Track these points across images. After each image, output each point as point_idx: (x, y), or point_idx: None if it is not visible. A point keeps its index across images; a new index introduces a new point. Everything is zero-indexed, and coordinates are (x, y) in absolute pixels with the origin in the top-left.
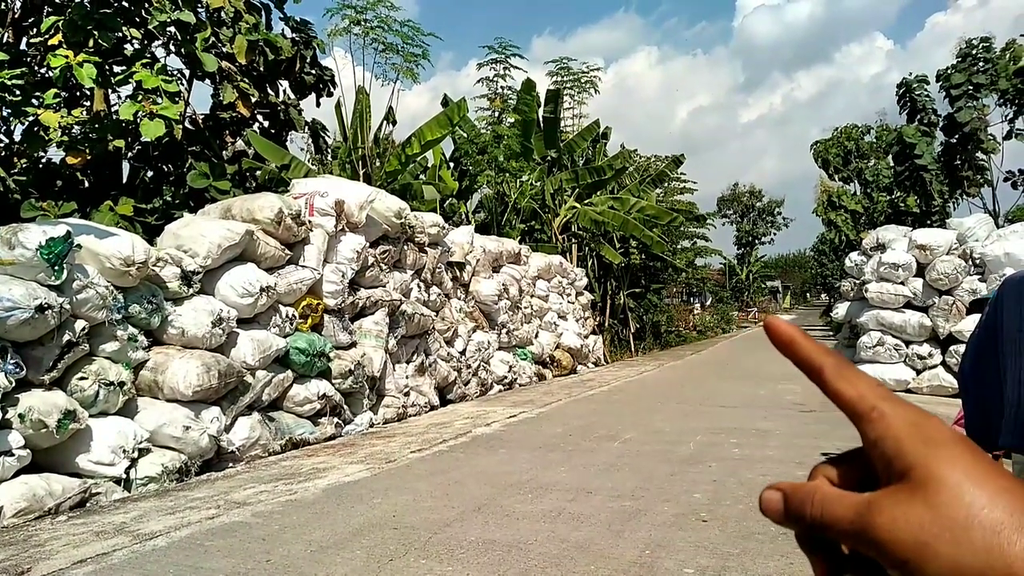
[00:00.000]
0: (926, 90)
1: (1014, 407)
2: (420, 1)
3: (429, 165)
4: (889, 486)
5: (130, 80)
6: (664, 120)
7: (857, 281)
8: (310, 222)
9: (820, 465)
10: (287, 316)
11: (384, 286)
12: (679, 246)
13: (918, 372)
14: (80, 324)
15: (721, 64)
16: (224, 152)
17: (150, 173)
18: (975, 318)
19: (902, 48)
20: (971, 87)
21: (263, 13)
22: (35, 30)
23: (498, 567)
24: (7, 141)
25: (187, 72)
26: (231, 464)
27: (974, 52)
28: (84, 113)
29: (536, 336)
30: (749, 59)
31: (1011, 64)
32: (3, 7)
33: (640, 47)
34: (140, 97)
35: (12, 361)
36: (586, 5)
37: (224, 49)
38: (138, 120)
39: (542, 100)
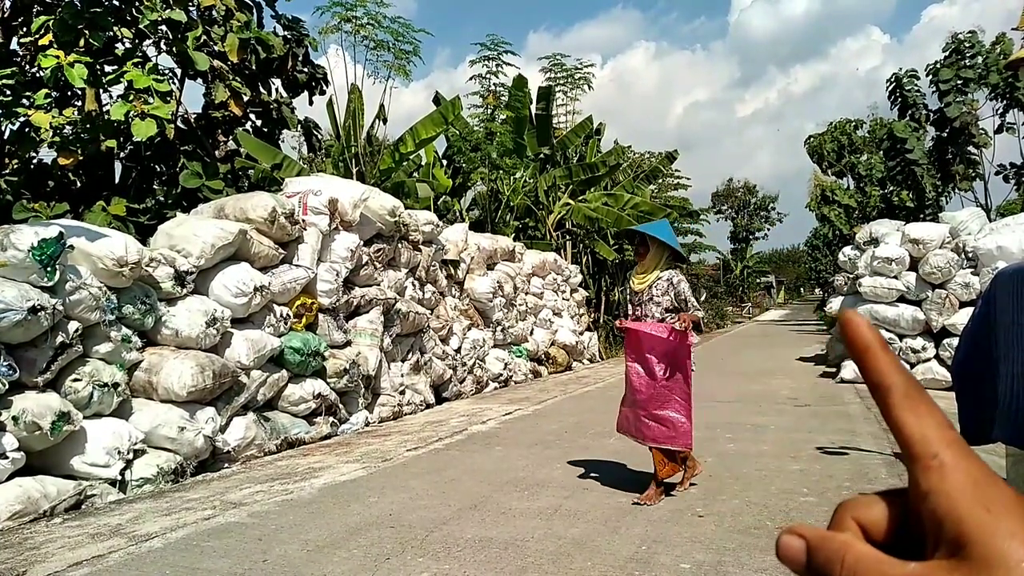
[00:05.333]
0: (916, 85)
1: (1007, 400)
2: None
3: (422, 163)
4: (941, 559)
5: (121, 80)
6: (661, 115)
7: (850, 275)
8: (304, 221)
9: (850, 504)
10: (281, 315)
11: (378, 284)
12: None
13: (912, 366)
14: (73, 325)
15: (718, 59)
16: (217, 151)
17: (142, 173)
18: (968, 311)
19: (898, 42)
20: (959, 82)
21: (254, 11)
22: (25, 30)
23: (495, 564)
24: None
25: (179, 71)
26: (227, 464)
27: (962, 47)
28: (75, 113)
29: (531, 333)
30: (746, 54)
31: (1001, 58)
32: None
33: (638, 42)
34: (132, 97)
35: (5, 363)
36: (583, 0)
37: (216, 47)
38: (130, 120)
39: (534, 97)
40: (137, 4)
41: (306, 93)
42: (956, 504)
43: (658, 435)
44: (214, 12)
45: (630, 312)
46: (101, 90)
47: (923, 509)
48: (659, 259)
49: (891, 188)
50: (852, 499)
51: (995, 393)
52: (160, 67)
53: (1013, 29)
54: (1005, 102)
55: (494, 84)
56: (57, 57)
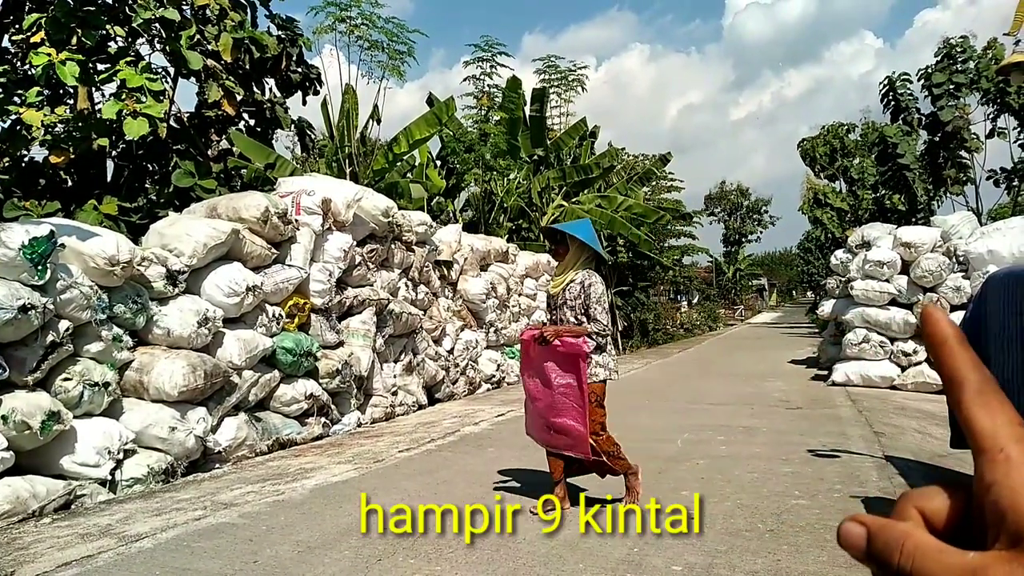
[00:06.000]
0: (909, 88)
1: None
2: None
3: (416, 164)
4: (1001, 550)
5: (114, 78)
6: (656, 118)
7: (842, 278)
8: (297, 221)
9: (913, 494)
10: (274, 315)
11: (371, 285)
12: (666, 244)
13: (903, 369)
14: (64, 324)
15: (713, 62)
16: (209, 151)
17: (134, 172)
18: (959, 315)
19: (891, 47)
20: (952, 86)
21: (248, 10)
22: (17, 27)
23: (487, 566)
24: None
25: (172, 70)
26: (218, 465)
27: (954, 52)
28: (67, 111)
29: None
30: (740, 57)
31: (992, 63)
32: None
33: (633, 44)
34: (124, 96)
35: None
36: (579, 2)
37: (209, 47)
38: (122, 119)
39: (528, 98)
40: (130, 2)
41: (300, 93)
42: (1020, 497)
43: (558, 443)
44: (208, 11)
45: (546, 318)
46: (93, 88)
47: (986, 501)
48: (577, 260)
49: (883, 192)
50: (916, 489)
51: None
52: (153, 66)
53: (1004, 34)
54: (996, 107)
55: (488, 85)
56: (49, 55)
